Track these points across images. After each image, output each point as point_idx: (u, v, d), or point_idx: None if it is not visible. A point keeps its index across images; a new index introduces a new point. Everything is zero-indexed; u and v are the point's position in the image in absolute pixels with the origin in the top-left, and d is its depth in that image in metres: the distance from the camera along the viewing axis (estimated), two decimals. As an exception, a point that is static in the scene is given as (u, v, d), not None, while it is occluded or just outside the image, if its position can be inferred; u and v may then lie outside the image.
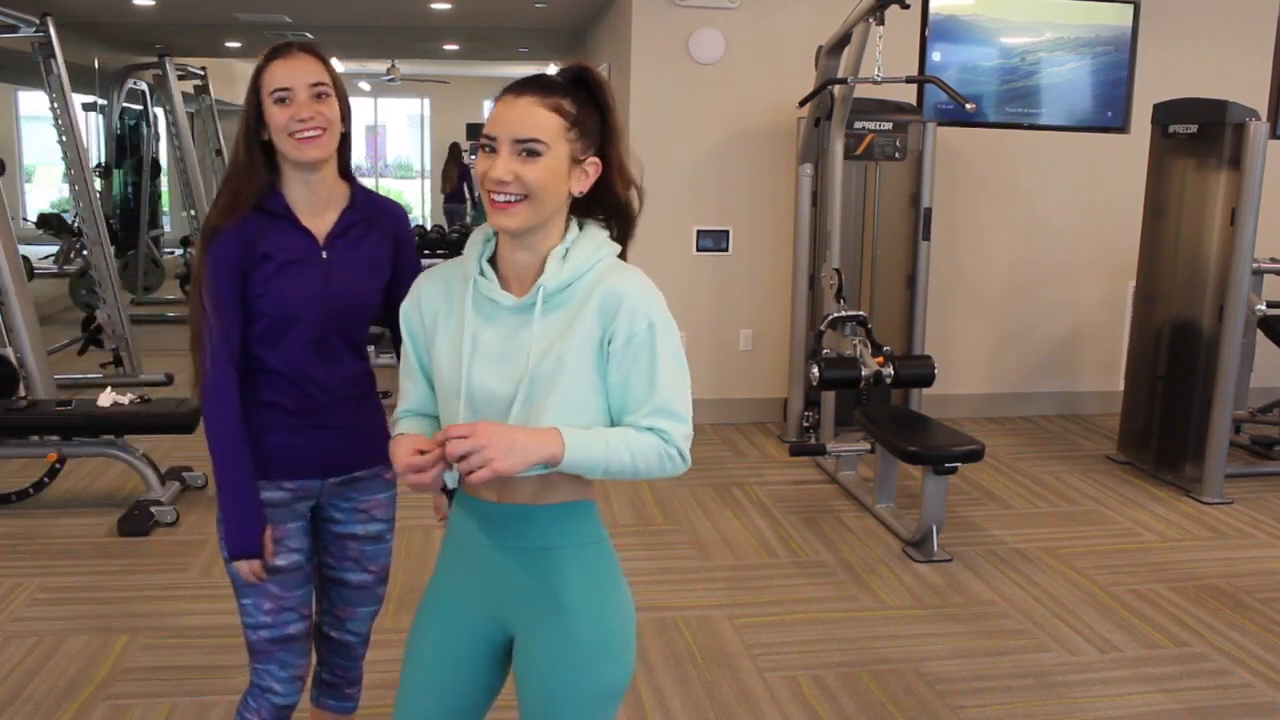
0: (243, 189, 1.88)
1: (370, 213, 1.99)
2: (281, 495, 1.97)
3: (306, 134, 1.84)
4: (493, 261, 1.58)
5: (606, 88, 1.54)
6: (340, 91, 1.91)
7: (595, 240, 1.55)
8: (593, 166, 1.53)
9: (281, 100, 1.83)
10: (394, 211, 2.05)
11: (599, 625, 1.56)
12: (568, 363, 1.48)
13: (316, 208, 1.93)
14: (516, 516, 1.56)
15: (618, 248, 1.58)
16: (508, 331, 1.53)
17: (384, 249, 1.99)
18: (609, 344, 1.50)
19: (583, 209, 1.58)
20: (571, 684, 1.55)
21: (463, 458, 1.42)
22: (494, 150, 1.47)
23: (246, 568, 1.91)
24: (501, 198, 1.47)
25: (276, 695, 2.00)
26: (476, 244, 1.59)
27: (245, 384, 1.94)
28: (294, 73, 1.85)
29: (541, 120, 1.46)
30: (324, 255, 1.92)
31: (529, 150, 1.46)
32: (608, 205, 1.58)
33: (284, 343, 1.92)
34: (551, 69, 10.60)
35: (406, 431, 1.61)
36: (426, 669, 1.65)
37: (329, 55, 1.93)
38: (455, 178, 13.98)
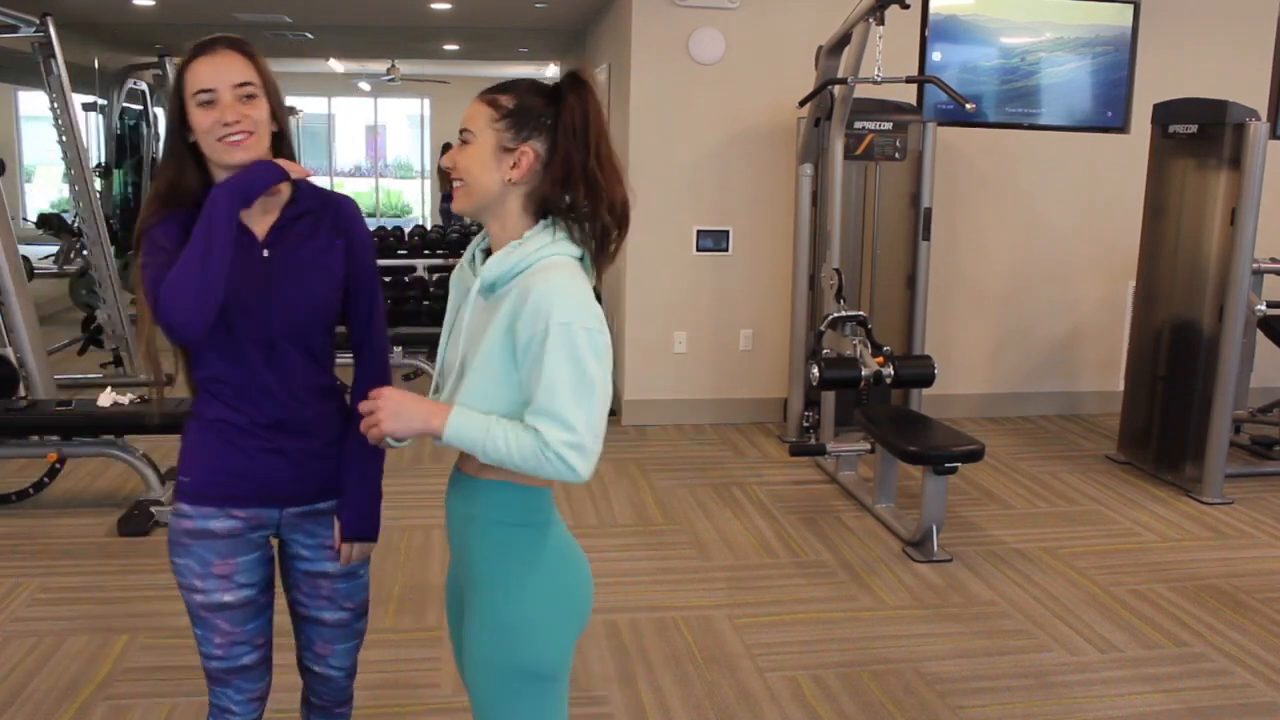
0: (174, 195, 1.77)
1: (316, 207, 1.87)
2: (232, 525, 1.84)
3: (233, 138, 1.73)
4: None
5: (571, 86, 1.61)
6: (270, 89, 1.79)
7: (546, 239, 1.62)
8: (523, 156, 1.62)
9: (206, 103, 1.72)
10: (343, 206, 1.92)
11: (503, 601, 1.63)
12: (481, 350, 1.60)
13: (254, 208, 1.79)
14: (460, 484, 1.71)
15: (572, 248, 1.63)
16: (473, 310, 1.67)
17: (335, 246, 1.87)
18: (517, 340, 1.56)
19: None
20: (481, 652, 1.66)
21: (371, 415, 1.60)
22: None
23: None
24: (454, 183, 1.66)
25: (234, 716, 1.95)
26: (480, 234, 1.74)
27: (199, 400, 1.85)
28: (218, 72, 1.73)
29: (475, 112, 1.64)
30: (265, 254, 1.81)
31: (464, 140, 1.65)
32: (552, 203, 1.63)
33: (229, 348, 1.80)
34: (551, 70, 10.63)
35: None
36: (448, 619, 1.88)
37: (259, 51, 1.80)
38: None
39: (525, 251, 1.61)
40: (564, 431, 1.52)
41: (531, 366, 1.54)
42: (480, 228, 1.74)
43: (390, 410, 1.57)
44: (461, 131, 1.65)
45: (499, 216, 1.66)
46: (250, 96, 1.75)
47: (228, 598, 1.85)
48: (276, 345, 1.82)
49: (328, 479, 1.91)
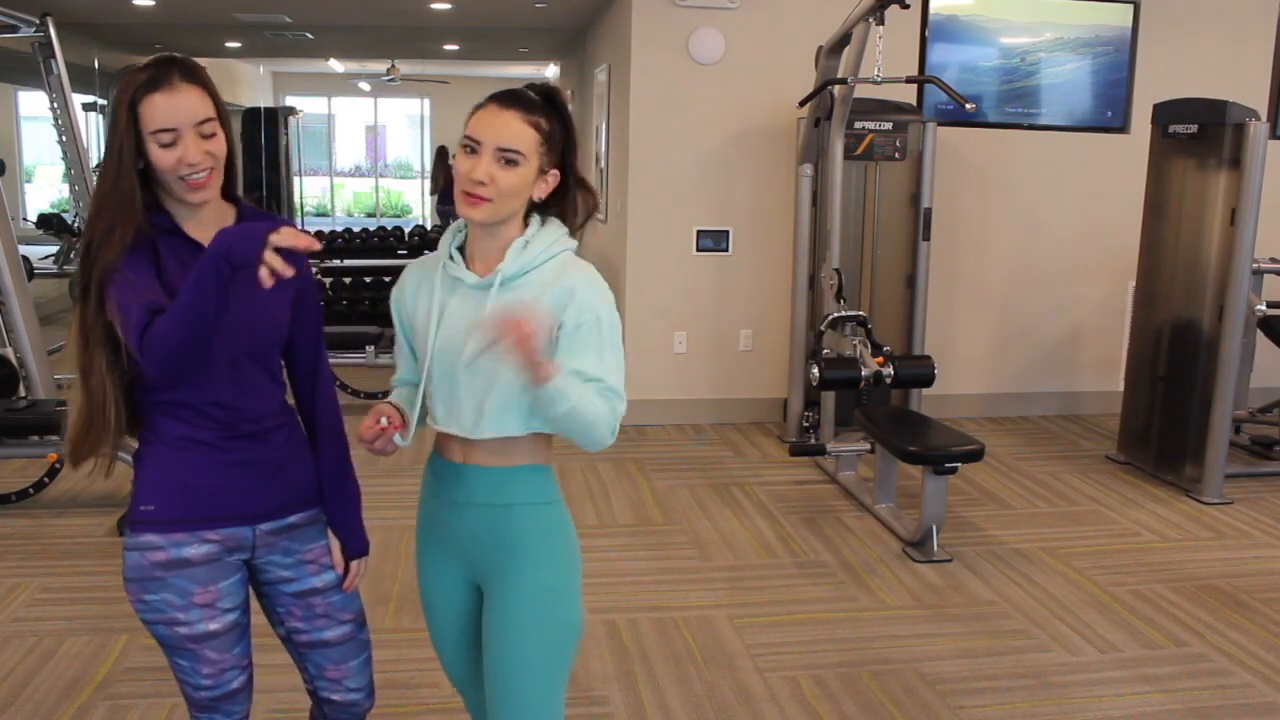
0: (127, 223, 1.69)
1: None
2: (208, 550, 1.77)
3: (196, 177, 1.69)
4: (463, 249, 1.83)
5: (562, 106, 1.79)
6: (224, 116, 1.74)
7: (553, 235, 1.78)
8: (553, 177, 1.78)
9: (168, 144, 1.66)
10: (287, 225, 1.84)
11: (551, 574, 1.80)
12: None
13: (205, 229, 1.74)
14: (480, 476, 1.80)
15: (574, 243, 1.82)
16: (469, 304, 1.77)
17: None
18: (559, 329, 1.71)
19: (543, 207, 1.83)
20: (529, 627, 1.78)
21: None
22: (475, 152, 1.70)
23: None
24: (475, 194, 1.70)
25: None
26: (449, 235, 1.84)
27: (154, 423, 1.78)
28: (179, 110, 1.66)
29: (524, 134, 1.71)
30: None
31: (509, 159, 1.70)
32: (564, 206, 1.82)
33: (194, 373, 1.71)
34: (551, 69, 10.56)
35: (394, 399, 1.89)
36: (435, 615, 1.95)
37: (208, 76, 1.74)
38: (444, 181, 13.95)
39: (539, 249, 1.76)
40: (620, 402, 1.74)
41: (581, 350, 1.71)
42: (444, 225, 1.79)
43: (537, 331, 1.55)
44: (509, 151, 1.69)
45: (510, 223, 1.77)
46: (212, 134, 1.71)
47: (214, 626, 1.79)
48: (240, 364, 1.78)
49: (297, 489, 1.88)
